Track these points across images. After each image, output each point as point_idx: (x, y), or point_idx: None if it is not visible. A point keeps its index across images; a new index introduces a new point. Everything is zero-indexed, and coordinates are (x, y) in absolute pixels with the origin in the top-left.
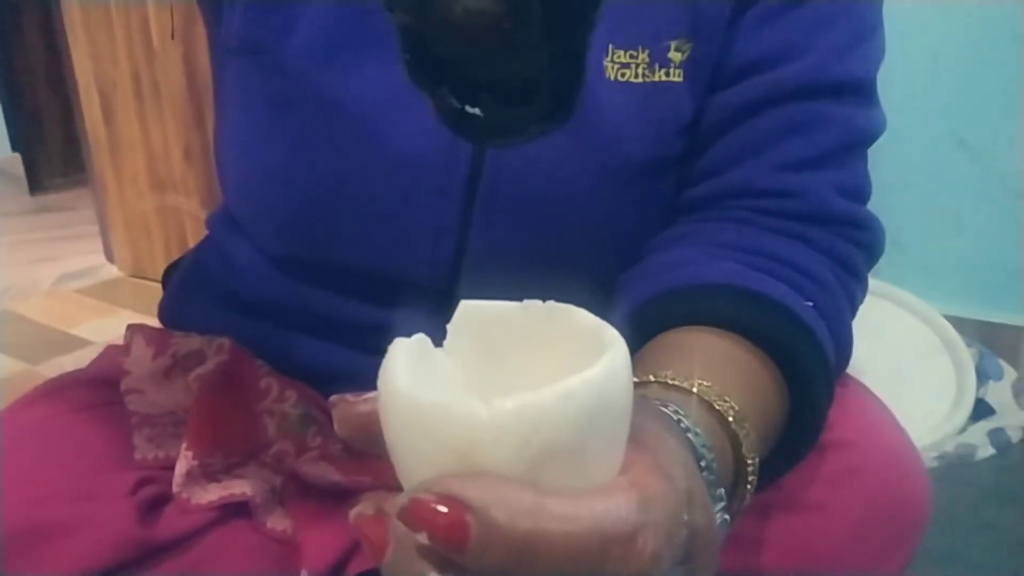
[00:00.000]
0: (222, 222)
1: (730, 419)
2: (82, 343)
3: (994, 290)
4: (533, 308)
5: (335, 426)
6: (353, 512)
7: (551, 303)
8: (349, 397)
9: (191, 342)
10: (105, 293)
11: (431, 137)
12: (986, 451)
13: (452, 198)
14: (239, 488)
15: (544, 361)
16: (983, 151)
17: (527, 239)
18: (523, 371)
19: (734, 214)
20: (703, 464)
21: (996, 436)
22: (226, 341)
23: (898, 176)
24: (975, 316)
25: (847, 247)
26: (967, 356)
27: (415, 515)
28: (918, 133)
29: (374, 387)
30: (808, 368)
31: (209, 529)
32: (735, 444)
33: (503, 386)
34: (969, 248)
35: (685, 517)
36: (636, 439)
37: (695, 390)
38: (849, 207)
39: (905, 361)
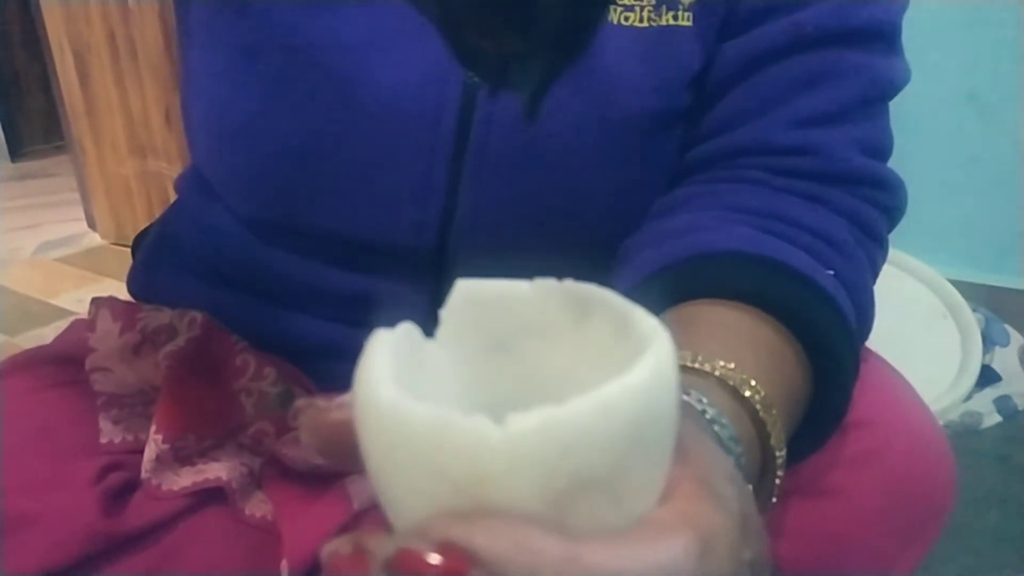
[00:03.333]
0: (192, 184)
1: (757, 407)
2: (63, 314)
3: (1001, 253)
4: (546, 288)
5: (302, 436)
6: (327, 549)
7: (568, 282)
8: (319, 402)
9: (161, 316)
10: (87, 262)
11: (415, 86)
12: (992, 419)
13: (439, 155)
14: (214, 472)
15: (561, 355)
16: (992, 107)
17: (520, 201)
18: (535, 368)
19: (746, 174)
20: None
21: (1003, 403)
22: (198, 315)
23: (904, 134)
24: (981, 280)
25: (868, 209)
26: (973, 321)
27: (405, 568)
28: (925, 88)
29: (357, 363)
30: (834, 345)
31: (182, 517)
32: (762, 434)
33: (512, 388)
34: (976, 209)
35: (747, 555)
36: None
37: (717, 373)
38: (870, 165)
39: (908, 327)
